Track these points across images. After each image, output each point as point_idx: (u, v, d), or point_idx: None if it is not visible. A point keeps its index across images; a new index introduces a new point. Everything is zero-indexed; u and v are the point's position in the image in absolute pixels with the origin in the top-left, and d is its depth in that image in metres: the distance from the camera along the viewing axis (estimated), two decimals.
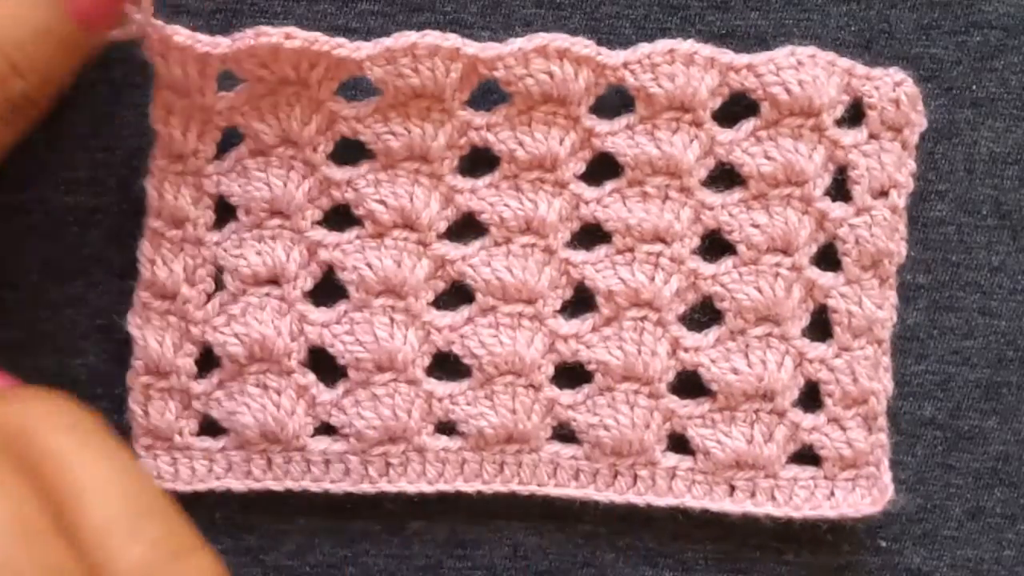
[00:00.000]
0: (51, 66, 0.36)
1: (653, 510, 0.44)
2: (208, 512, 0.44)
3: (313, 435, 0.43)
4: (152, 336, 0.42)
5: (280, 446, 0.43)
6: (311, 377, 0.43)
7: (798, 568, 0.46)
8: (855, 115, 0.43)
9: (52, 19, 0.36)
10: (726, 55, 0.42)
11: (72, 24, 0.36)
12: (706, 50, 0.42)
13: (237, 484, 0.43)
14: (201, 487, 0.43)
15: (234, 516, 0.45)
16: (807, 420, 0.44)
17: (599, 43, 0.43)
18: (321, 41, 0.40)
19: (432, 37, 0.41)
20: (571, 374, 0.44)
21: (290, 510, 0.45)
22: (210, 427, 0.44)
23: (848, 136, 0.43)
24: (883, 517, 0.45)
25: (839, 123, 0.43)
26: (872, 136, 0.43)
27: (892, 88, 0.42)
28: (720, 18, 0.46)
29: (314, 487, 0.43)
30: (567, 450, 0.44)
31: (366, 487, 0.43)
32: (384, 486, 0.43)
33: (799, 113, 0.42)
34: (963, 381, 0.47)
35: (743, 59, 0.42)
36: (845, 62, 0.42)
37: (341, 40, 0.41)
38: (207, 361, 0.43)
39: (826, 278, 0.43)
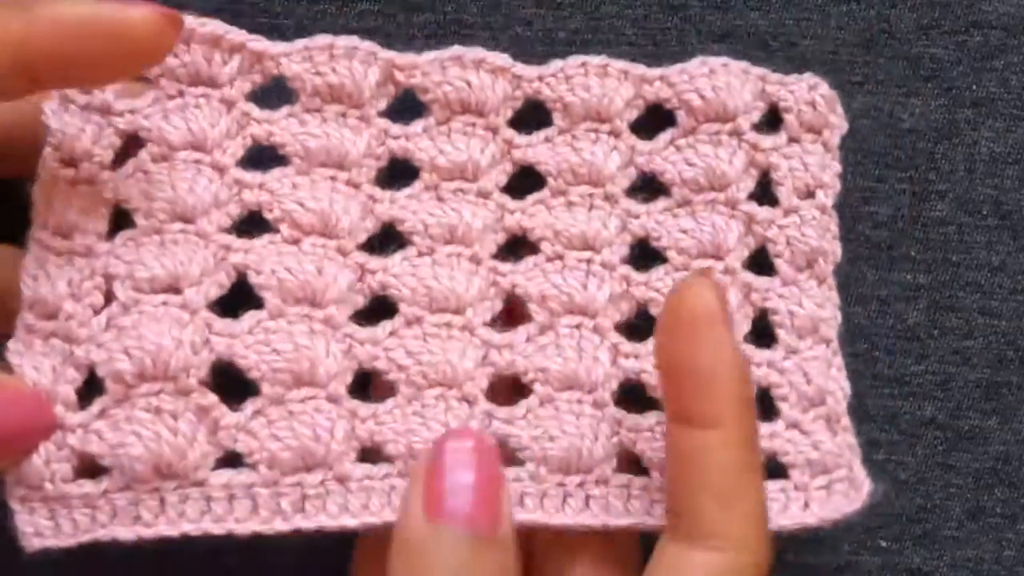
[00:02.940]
0: None
1: None
2: None
3: (214, 468, 0.37)
4: (30, 363, 0.36)
5: (175, 482, 0.36)
6: (213, 397, 0.37)
7: (798, 568, 0.46)
8: (773, 122, 0.42)
9: None
10: (638, 68, 0.41)
11: None
12: (618, 63, 0.41)
13: (125, 533, 0.36)
14: (88, 539, 0.36)
15: None
16: (763, 427, 0.40)
17: (599, 43, 0.43)
18: (235, 32, 0.39)
19: (349, 39, 0.40)
20: (507, 395, 0.41)
21: None
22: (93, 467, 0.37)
23: (767, 140, 0.42)
24: (883, 517, 0.45)
25: (758, 129, 0.42)
26: (792, 139, 0.42)
27: (807, 91, 0.42)
28: (720, 18, 0.46)
29: (216, 529, 0.37)
30: (510, 471, 0.39)
31: (279, 525, 0.37)
32: (300, 522, 0.37)
33: (715, 119, 0.42)
34: (963, 381, 0.47)
35: (656, 71, 0.42)
36: (758, 70, 0.42)
37: (258, 36, 0.39)
38: (95, 390, 0.37)
39: (761, 281, 0.42)
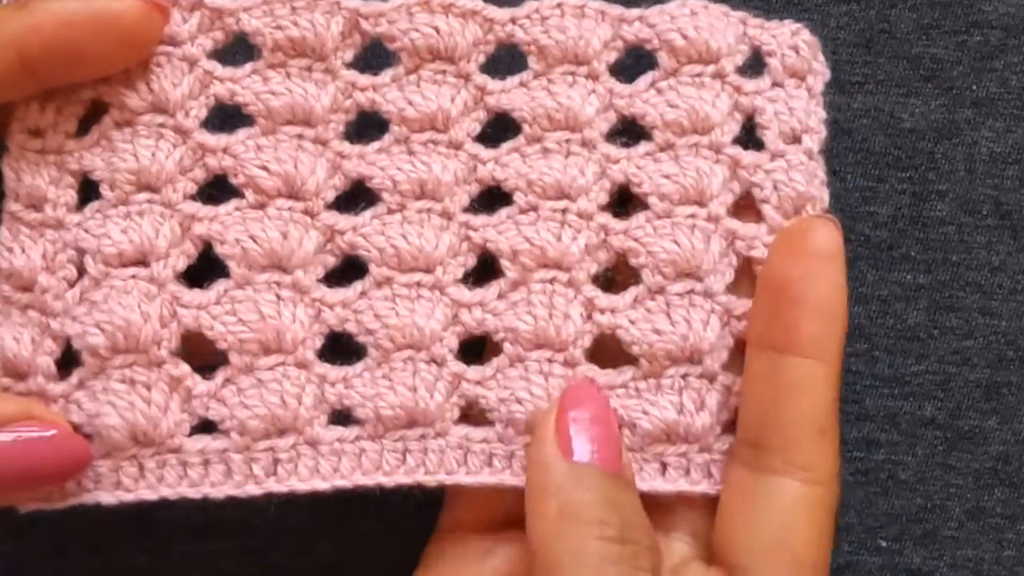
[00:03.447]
0: None
1: None
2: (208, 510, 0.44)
3: (189, 434, 0.38)
4: (9, 334, 0.38)
5: (152, 449, 0.38)
6: (185, 368, 0.38)
7: None
8: (756, 67, 0.41)
9: None
10: (616, 8, 0.40)
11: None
12: (595, 3, 0.40)
13: (107, 497, 0.38)
14: (74, 503, 0.38)
15: (234, 516, 0.45)
16: (740, 383, 0.39)
17: None
18: None
19: None
20: (478, 352, 0.41)
21: (290, 508, 0.45)
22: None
23: (751, 83, 0.41)
24: (883, 517, 0.45)
25: (741, 73, 0.41)
26: (775, 84, 0.41)
27: (789, 36, 0.41)
28: None
29: (192, 493, 0.38)
30: (478, 432, 0.39)
31: (252, 488, 0.38)
32: (272, 486, 0.38)
33: (697, 60, 0.40)
34: (963, 381, 0.47)
35: (634, 12, 0.40)
36: (739, 13, 0.41)
37: None
38: (72, 361, 0.39)
39: (748, 228, 0.40)
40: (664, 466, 0.39)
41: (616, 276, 0.41)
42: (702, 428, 0.39)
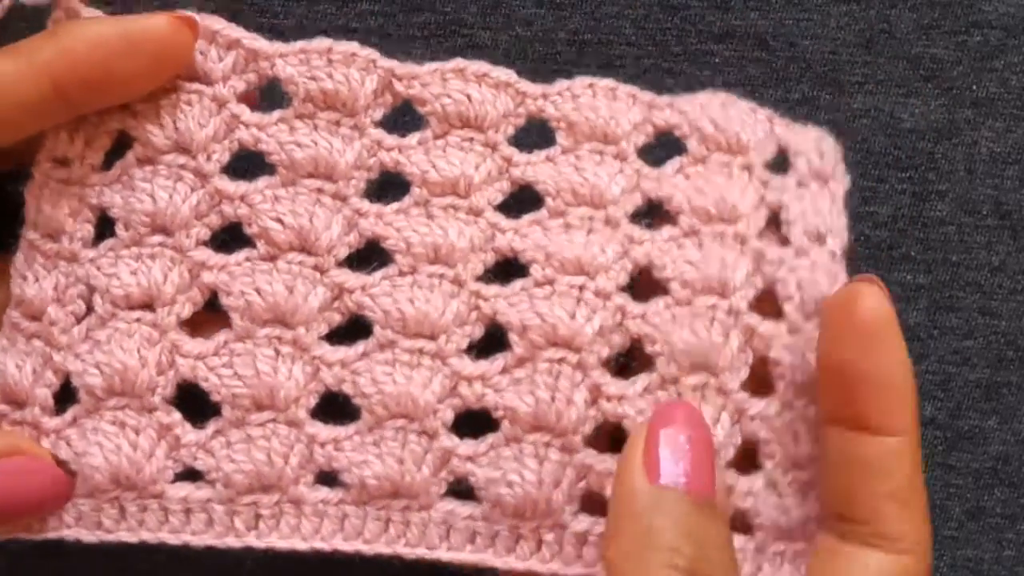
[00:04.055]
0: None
1: None
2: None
3: (174, 481, 0.38)
4: (13, 361, 0.38)
5: (135, 493, 0.38)
6: (176, 416, 0.38)
7: None
8: (780, 167, 0.40)
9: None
10: (647, 94, 0.40)
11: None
12: (626, 87, 0.40)
13: (87, 536, 0.38)
14: (53, 536, 0.38)
15: None
16: (742, 483, 0.38)
17: (599, 43, 0.42)
18: (232, 28, 0.38)
19: (349, 45, 0.38)
20: (478, 424, 0.39)
21: None
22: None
23: (778, 179, 0.40)
24: None
25: (767, 169, 0.40)
26: (800, 184, 0.39)
27: (813, 140, 0.40)
28: (720, 18, 0.46)
29: (172, 539, 0.38)
30: (463, 508, 0.38)
31: (232, 540, 0.38)
32: (252, 541, 0.38)
33: (727, 150, 0.40)
34: (963, 381, 0.47)
35: (665, 98, 0.40)
36: (766, 111, 0.40)
37: (254, 34, 0.39)
38: (71, 395, 0.39)
39: (767, 327, 0.38)
40: None
41: (631, 362, 0.39)
42: None
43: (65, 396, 0.38)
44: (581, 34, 0.45)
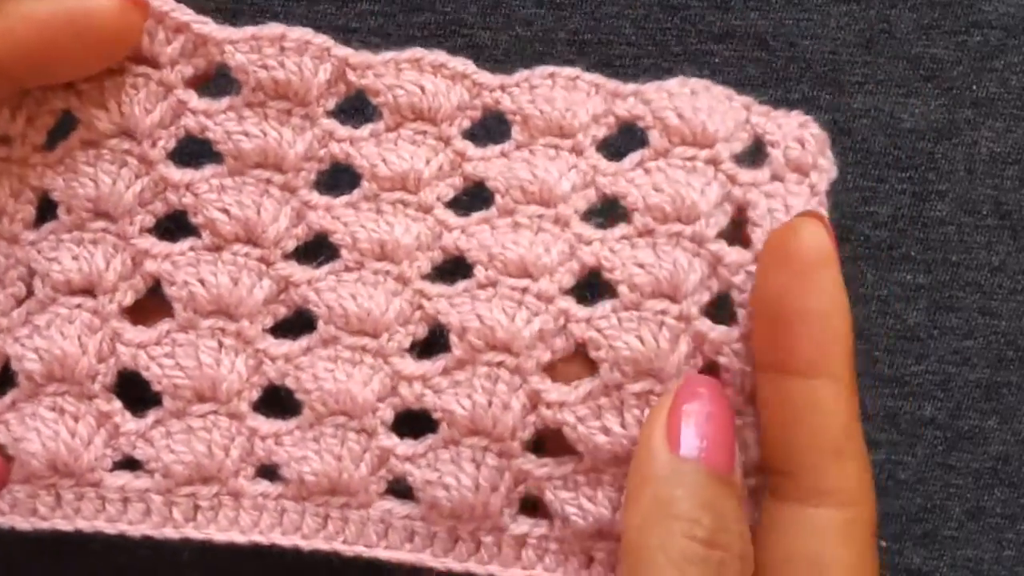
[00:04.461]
0: None
1: None
2: None
3: (112, 470, 0.38)
4: None
5: (72, 480, 0.37)
6: (116, 404, 0.38)
7: None
8: (755, 159, 0.38)
9: None
10: (611, 82, 0.38)
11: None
12: (589, 76, 0.38)
13: (22, 523, 0.37)
14: None
15: None
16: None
17: (599, 43, 0.42)
18: (182, 10, 0.37)
19: (303, 31, 0.37)
20: (420, 423, 0.38)
21: None
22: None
23: (748, 174, 0.37)
24: (883, 517, 0.45)
25: (738, 162, 0.38)
26: (775, 178, 0.37)
27: (796, 127, 0.38)
28: (720, 18, 0.46)
29: (108, 528, 0.38)
30: (402, 508, 0.38)
31: (169, 531, 0.38)
32: (189, 532, 0.38)
33: (692, 142, 0.37)
34: (963, 381, 0.47)
35: (630, 86, 0.38)
36: (743, 98, 0.38)
37: (205, 18, 0.37)
38: (11, 379, 0.38)
39: (718, 332, 0.36)
40: (591, 560, 0.38)
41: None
42: None
43: (4, 379, 0.38)
44: (581, 34, 0.45)
